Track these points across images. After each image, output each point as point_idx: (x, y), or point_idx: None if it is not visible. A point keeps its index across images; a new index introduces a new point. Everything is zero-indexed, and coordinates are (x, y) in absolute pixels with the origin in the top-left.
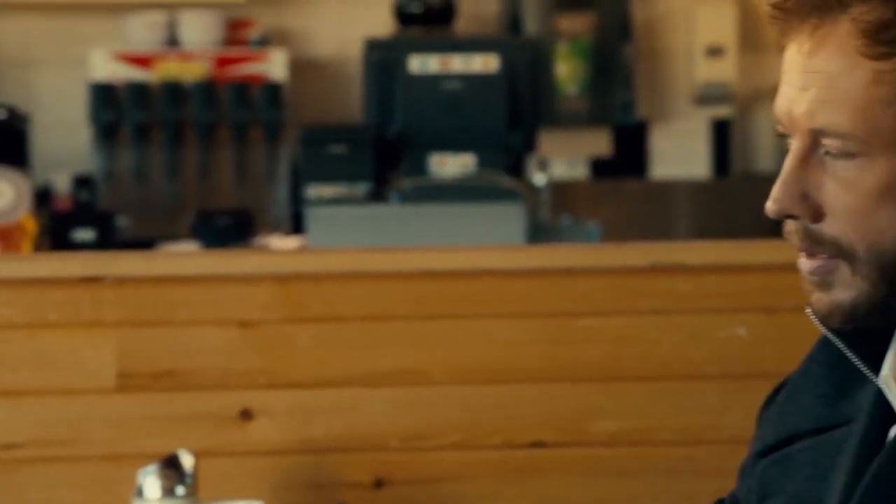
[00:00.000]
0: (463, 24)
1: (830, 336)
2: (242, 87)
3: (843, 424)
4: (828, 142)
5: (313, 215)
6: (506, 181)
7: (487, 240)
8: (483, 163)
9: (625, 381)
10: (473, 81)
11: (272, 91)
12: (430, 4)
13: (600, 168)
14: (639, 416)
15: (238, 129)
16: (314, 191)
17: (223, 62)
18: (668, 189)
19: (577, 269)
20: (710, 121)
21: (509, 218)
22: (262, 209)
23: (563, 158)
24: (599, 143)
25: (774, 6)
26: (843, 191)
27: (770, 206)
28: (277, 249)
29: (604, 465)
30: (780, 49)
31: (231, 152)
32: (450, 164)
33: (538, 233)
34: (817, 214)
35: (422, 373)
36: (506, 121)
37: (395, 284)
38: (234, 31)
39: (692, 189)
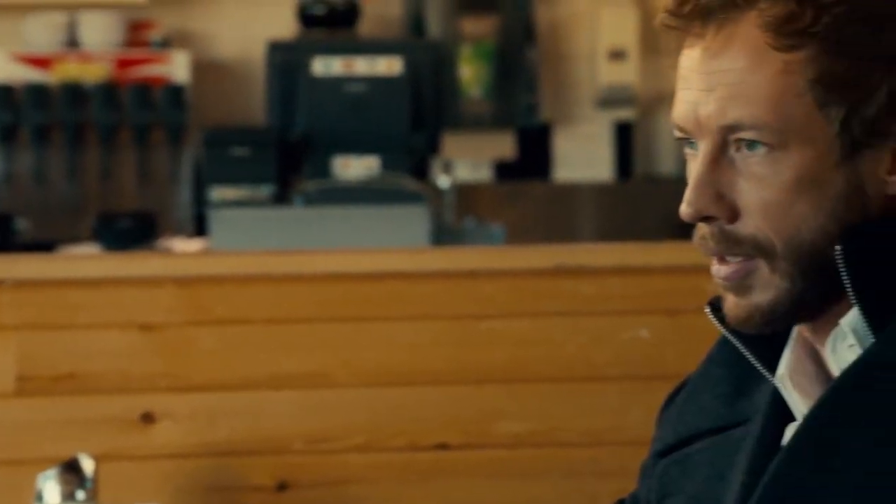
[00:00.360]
0: (366, 26)
1: (729, 336)
2: (144, 89)
3: (741, 424)
4: (744, 135)
5: (216, 218)
6: (409, 183)
7: (391, 242)
8: (387, 165)
9: (528, 382)
10: (377, 84)
11: (174, 93)
12: (334, 6)
13: (504, 170)
14: (542, 418)
15: (140, 130)
16: (217, 193)
17: (124, 64)
18: (572, 191)
19: (481, 271)
20: (612, 123)
21: (413, 220)
22: (164, 211)
23: (466, 161)
24: (503, 145)
25: (672, 13)
26: (757, 187)
27: (685, 209)
28: (179, 252)
29: (507, 467)
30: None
31: (133, 154)
32: (353, 167)
33: (442, 235)
34: (733, 214)
35: (325, 375)
36: (409, 123)
37: (298, 287)
38: (136, 33)
39: (595, 191)
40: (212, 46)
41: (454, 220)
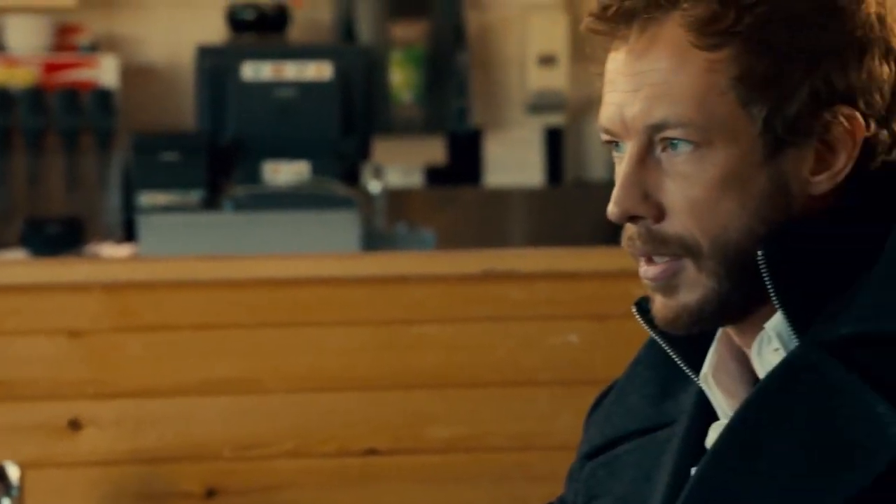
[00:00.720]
0: (297, 31)
1: (654, 336)
2: (72, 94)
3: (667, 425)
4: (669, 133)
5: (145, 223)
6: (339, 189)
7: (322, 247)
8: (317, 170)
9: (458, 387)
10: (307, 89)
11: (103, 97)
12: (264, 11)
13: (435, 176)
14: (472, 423)
15: (68, 135)
16: (146, 198)
17: (52, 68)
18: (503, 196)
19: (411, 276)
20: (543, 129)
21: (343, 225)
22: (93, 217)
23: (398, 166)
24: (434, 150)
25: (597, 17)
26: (683, 186)
27: (612, 209)
28: (107, 258)
29: (438, 472)
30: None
31: (61, 159)
32: (283, 172)
33: (373, 240)
34: (660, 213)
35: (255, 381)
36: (339, 128)
37: (226, 292)
38: (64, 37)
39: (526, 196)
40: (141, 51)
41: (385, 226)
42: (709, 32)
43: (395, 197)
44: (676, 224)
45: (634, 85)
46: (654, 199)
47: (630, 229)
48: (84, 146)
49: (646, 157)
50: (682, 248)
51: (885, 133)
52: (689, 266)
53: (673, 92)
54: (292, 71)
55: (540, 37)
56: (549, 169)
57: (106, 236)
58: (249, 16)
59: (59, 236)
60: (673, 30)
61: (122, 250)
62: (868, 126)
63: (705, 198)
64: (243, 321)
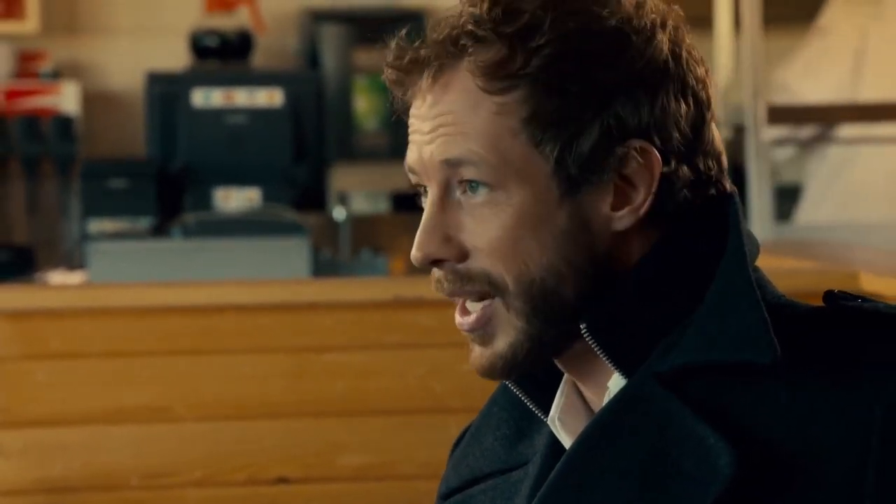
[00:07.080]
0: (262, 58)
1: (506, 381)
2: (33, 121)
3: (521, 465)
4: (465, 172)
5: (94, 250)
6: (290, 216)
7: (271, 274)
8: (268, 197)
9: (369, 415)
10: (258, 115)
11: (64, 124)
12: (227, 38)
13: (402, 202)
14: (383, 451)
15: (29, 162)
16: (94, 225)
17: (13, 95)
18: None
19: (321, 303)
20: None
21: (293, 252)
22: (53, 244)
23: (363, 192)
24: (400, 176)
25: (392, 66)
26: (483, 227)
27: (415, 254)
28: (10, 285)
29: (348, 500)
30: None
31: (22, 186)
32: (234, 199)
33: (325, 267)
34: (462, 254)
35: (163, 409)
36: (291, 155)
37: (135, 319)
38: (25, 64)
39: None
40: (103, 78)
41: (351, 252)
42: (497, 77)
43: (361, 223)
44: (481, 260)
45: (431, 127)
46: (456, 240)
47: (436, 273)
48: (45, 173)
49: (446, 200)
50: (488, 285)
51: (685, 169)
52: (499, 307)
53: (467, 131)
54: (243, 97)
55: None
56: None
57: (64, 263)
58: (212, 42)
59: (9, 264)
60: (464, 76)
61: (72, 277)
62: (667, 162)
63: (505, 238)
64: (152, 348)
